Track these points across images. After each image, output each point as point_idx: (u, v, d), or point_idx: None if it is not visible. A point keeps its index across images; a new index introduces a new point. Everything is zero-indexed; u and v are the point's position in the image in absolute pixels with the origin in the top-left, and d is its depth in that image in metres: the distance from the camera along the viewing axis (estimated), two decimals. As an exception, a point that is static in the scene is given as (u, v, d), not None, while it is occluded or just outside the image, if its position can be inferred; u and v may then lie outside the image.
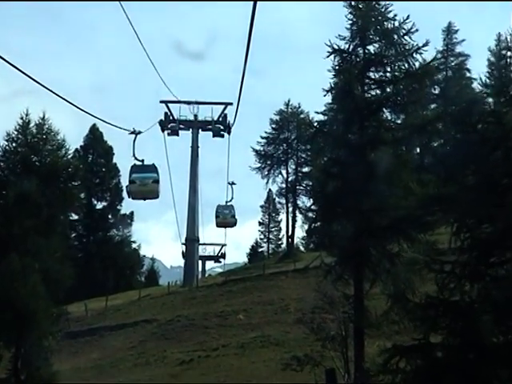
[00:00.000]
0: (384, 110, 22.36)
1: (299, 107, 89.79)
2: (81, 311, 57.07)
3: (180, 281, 76.90)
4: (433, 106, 65.45)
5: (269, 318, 43.11)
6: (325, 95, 21.98)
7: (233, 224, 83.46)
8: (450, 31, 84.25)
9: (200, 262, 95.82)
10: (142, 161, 46.94)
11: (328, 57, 21.98)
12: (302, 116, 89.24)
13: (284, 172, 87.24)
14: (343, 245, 22.01)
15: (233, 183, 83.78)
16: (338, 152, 22.53)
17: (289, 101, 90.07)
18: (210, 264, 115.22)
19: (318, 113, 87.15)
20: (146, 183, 46.85)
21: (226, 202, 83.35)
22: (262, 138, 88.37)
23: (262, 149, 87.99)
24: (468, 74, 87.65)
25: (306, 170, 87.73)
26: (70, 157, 31.04)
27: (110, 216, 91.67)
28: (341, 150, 22.37)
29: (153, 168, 47.42)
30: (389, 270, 21.60)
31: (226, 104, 73.78)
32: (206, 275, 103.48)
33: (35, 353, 27.47)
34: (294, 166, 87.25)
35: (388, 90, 22.44)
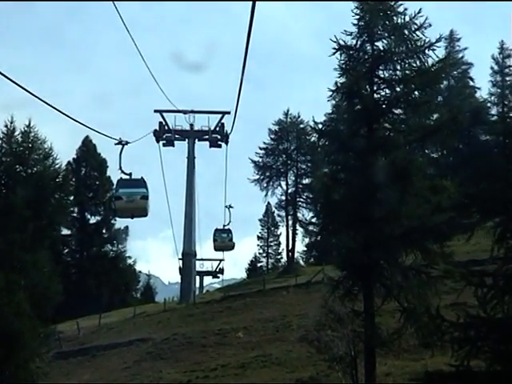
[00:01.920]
0: (394, 110, 21.08)
1: (299, 117, 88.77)
2: (73, 330, 56.00)
3: (177, 297, 75.75)
4: (435, 115, 64.60)
5: (270, 335, 41.76)
6: (330, 95, 20.76)
7: (231, 248, 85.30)
8: (452, 39, 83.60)
9: (198, 277, 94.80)
10: (130, 174, 43.07)
11: (334, 54, 20.81)
12: (301, 126, 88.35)
13: (283, 184, 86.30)
14: (351, 257, 20.70)
15: (230, 206, 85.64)
16: (344, 156, 21.25)
17: (288, 110, 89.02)
18: (207, 280, 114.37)
19: (317, 123, 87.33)
20: (134, 199, 42.83)
21: (224, 225, 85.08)
22: (261, 148, 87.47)
23: (260, 160, 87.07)
24: (471, 83, 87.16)
25: (306, 181, 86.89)
26: (57, 166, 29.84)
27: (104, 231, 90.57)
28: (348, 154, 21.10)
29: (141, 182, 43.40)
30: (401, 285, 20.39)
31: (224, 113, 72.68)
32: (204, 291, 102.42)
33: (21, 376, 26.28)
34: (293, 178, 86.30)
35: (398, 89, 21.19)
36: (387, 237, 20.36)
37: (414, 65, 20.99)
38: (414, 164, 20.09)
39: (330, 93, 20.78)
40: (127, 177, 43.21)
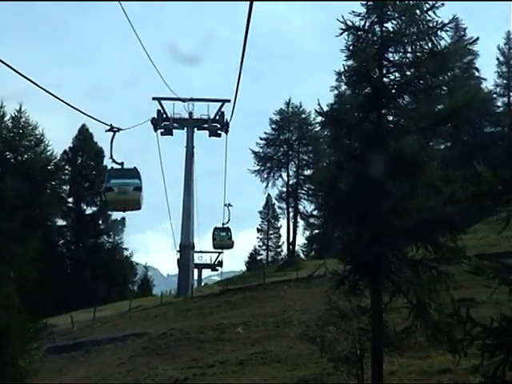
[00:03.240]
0: (405, 95, 20.11)
1: (301, 106, 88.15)
2: (67, 323, 55.44)
3: (175, 290, 75.15)
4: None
5: (270, 331, 40.89)
6: (337, 79, 19.79)
7: (230, 246, 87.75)
8: (457, 29, 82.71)
9: (196, 270, 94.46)
10: (122, 164, 40.17)
11: (341, 34, 19.78)
12: (303, 116, 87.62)
13: (285, 175, 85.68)
14: (358, 251, 19.75)
15: (229, 205, 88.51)
16: (351, 144, 20.28)
17: (289, 100, 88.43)
18: (206, 273, 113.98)
19: (319, 112, 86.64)
20: (126, 191, 39.94)
21: (223, 223, 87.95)
22: (262, 139, 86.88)
23: (261, 150, 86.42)
24: (477, 74, 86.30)
25: (307, 172, 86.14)
26: (49, 153, 28.80)
27: (100, 222, 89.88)
28: (355, 141, 20.13)
29: (134, 173, 40.66)
30: (410, 281, 19.47)
31: (223, 101, 72.02)
32: (203, 284, 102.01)
33: (9, 373, 25.39)
34: (295, 169, 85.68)
35: (409, 73, 20.20)
36: (396, 229, 19.41)
37: (426, 47, 20.00)
38: (426, 152, 19.12)
39: (337, 76, 19.80)
40: (119, 166, 40.94)
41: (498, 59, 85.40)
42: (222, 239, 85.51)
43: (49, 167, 26.61)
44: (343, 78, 19.76)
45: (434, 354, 24.48)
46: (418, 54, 20.00)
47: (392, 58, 20.32)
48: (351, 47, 19.55)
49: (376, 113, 19.92)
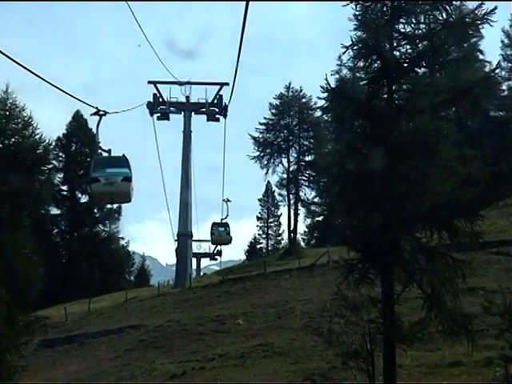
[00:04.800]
0: (418, 69, 18.96)
1: (301, 91, 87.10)
2: (61, 315, 55.15)
3: (173, 280, 74.53)
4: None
5: (271, 322, 40.47)
6: (344, 52, 18.58)
7: (228, 241, 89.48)
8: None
9: (194, 259, 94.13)
10: (109, 151, 36.98)
11: (348, 4, 18.63)
12: (304, 100, 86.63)
13: (285, 161, 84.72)
14: (368, 237, 18.66)
15: (228, 200, 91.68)
16: (360, 122, 19.13)
17: (290, 84, 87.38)
18: (205, 262, 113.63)
19: (321, 98, 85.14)
20: (114, 181, 35.57)
21: (221, 219, 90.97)
22: (261, 124, 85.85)
23: (260, 136, 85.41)
24: (481, 57, 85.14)
25: (309, 158, 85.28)
26: (38, 137, 27.74)
27: (95, 210, 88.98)
28: (365, 119, 18.99)
29: (123, 161, 36.50)
30: (425, 269, 18.38)
31: (222, 84, 71.04)
32: (201, 274, 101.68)
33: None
34: (295, 155, 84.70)
35: (421, 46, 19.04)
36: (409, 214, 18.30)
37: (440, 17, 18.85)
38: (441, 131, 17.95)
39: (344, 49, 18.61)
40: (106, 154, 38.03)
41: (502, 42, 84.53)
42: (221, 234, 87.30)
43: (37, 151, 25.48)
44: (350, 51, 18.56)
45: (445, 345, 23.57)
46: (431, 25, 18.83)
47: (403, 30, 19.17)
48: (359, 17, 18.38)
49: (387, 88, 18.78)
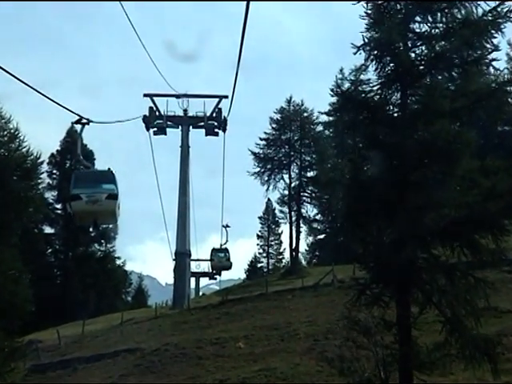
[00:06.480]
0: (435, 72, 17.82)
1: (302, 105, 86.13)
2: (53, 339, 53.81)
3: (172, 300, 73.53)
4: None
5: (274, 346, 39.45)
6: (355, 53, 17.44)
7: (228, 267, 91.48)
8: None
9: (193, 279, 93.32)
10: (92, 165, 33.27)
11: (359, 1, 17.53)
12: (305, 114, 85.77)
13: (286, 177, 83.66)
14: (382, 255, 17.48)
15: (227, 226, 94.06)
16: (374, 129, 17.96)
17: (291, 97, 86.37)
18: (204, 281, 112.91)
19: (322, 113, 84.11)
20: (98, 200, 31.11)
21: (221, 245, 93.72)
22: (261, 139, 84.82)
23: (261, 151, 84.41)
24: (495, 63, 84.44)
25: (311, 174, 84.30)
26: (25, 150, 26.45)
27: (90, 229, 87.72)
28: (379, 126, 17.83)
29: (108, 176, 32.25)
30: (444, 289, 17.19)
31: (221, 97, 70.05)
32: (200, 294, 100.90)
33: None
34: (297, 171, 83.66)
35: (438, 47, 17.92)
36: (427, 229, 17.16)
37: (459, 16, 17.74)
38: (462, 138, 16.80)
39: (355, 49, 17.48)
40: (87, 169, 34.82)
41: (507, 55, 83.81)
42: (220, 260, 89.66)
43: (24, 165, 24.02)
44: (362, 51, 17.42)
45: (458, 370, 22.45)
46: (450, 24, 17.72)
47: (418, 30, 18.07)
48: (372, 15, 17.25)
49: (401, 93, 17.65)
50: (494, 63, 18.25)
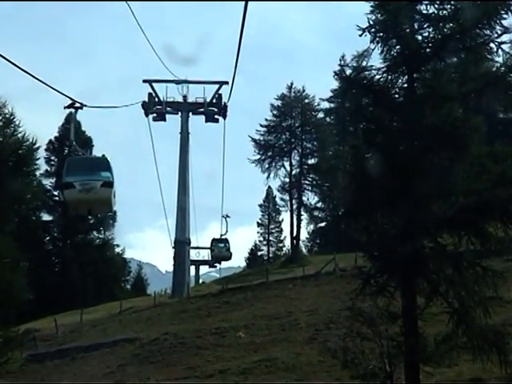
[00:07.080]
0: (443, 54, 17.30)
1: (303, 91, 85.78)
2: (51, 328, 53.76)
3: (171, 288, 73.44)
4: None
5: (275, 335, 39.34)
6: (361, 35, 16.93)
7: (228, 258, 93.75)
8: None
9: (193, 267, 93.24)
10: (86, 152, 33.36)
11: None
12: (306, 101, 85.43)
13: (287, 164, 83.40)
14: (387, 244, 17.05)
15: (227, 216, 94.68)
16: (379, 114, 17.49)
17: (292, 84, 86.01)
18: (204, 269, 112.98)
19: (323, 100, 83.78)
20: (92, 187, 29.69)
21: (221, 235, 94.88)
22: (262, 125, 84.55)
23: (261, 138, 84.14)
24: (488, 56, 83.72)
25: (312, 161, 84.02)
26: (20, 135, 26.06)
27: (89, 216, 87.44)
28: (383, 111, 17.37)
29: (103, 163, 30.77)
30: (451, 280, 16.74)
31: (221, 83, 69.84)
32: (200, 282, 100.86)
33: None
34: (298, 158, 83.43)
35: (446, 29, 17.39)
36: (434, 217, 16.70)
37: (468, -4, 17.25)
38: (470, 123, 16.34)
39: (360, 32, 16.97)
40: (82, 154, 33.58)
41: (511, 41, 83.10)
42: (220, 250, 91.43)
43: (20, 151, 23.46)
44: (368, 33, 16.90)
45: (462, 360, 22.13)
46: (458, 5, 17.19)
47: (426, 11, 17.55)
48: (377, -2, 16.74)
49: (407, 76, 17.17)
50: (503, 46, 17.51)
